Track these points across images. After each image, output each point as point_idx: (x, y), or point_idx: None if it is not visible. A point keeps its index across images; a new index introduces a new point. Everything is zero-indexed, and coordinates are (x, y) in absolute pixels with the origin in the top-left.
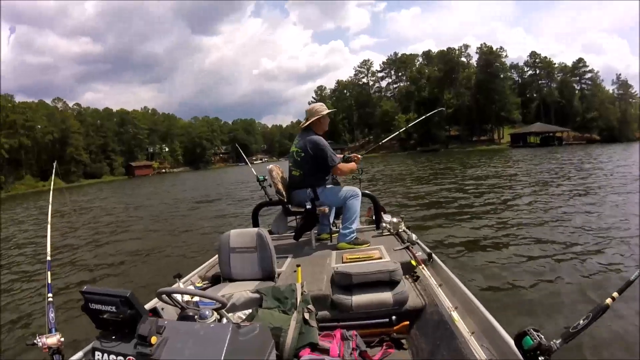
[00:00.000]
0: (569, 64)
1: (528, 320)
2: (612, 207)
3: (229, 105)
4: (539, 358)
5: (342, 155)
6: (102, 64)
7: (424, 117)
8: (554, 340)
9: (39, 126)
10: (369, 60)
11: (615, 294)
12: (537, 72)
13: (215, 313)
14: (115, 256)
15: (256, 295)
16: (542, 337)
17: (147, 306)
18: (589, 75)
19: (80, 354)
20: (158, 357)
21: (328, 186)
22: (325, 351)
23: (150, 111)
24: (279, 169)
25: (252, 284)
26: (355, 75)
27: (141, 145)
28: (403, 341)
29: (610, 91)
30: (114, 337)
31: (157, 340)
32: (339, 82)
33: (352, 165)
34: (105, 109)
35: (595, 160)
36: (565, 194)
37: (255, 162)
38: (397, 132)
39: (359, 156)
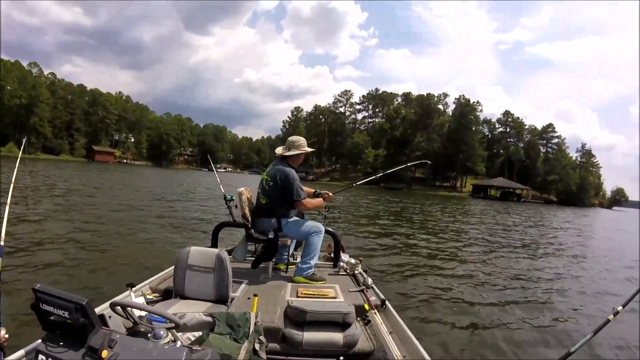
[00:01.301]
0: (539, 127)
1: None
2: (562, 269)
3: (203, 108)
4: None
5: (313, 190)
6: (87, 37)
7: (408, 165)
8: None
9: (9, 87)
10: (349, 91)
11: None
12: (508, 130)
13: (169, 334)
14: (71, 250)
15: (209, 318)
16: None
17: (97, 310)
18: (555, 140)
19: (21, 352)
20: None
21: (293, 218)
22: None
23: (124, 97)
24: (248, 193)
25: (204, 304)
26: (333, 102)
27: (107, 130)
28: None
29: (574, 158)
30: (61, 343)
31: (108, 354)
32: (316, 107)
33: (318, 202)
34: (79, 85)
35: (553, 220)
36: (517, 248)
37: (219, 170)
38: (374, 176)
39: (331, 195)
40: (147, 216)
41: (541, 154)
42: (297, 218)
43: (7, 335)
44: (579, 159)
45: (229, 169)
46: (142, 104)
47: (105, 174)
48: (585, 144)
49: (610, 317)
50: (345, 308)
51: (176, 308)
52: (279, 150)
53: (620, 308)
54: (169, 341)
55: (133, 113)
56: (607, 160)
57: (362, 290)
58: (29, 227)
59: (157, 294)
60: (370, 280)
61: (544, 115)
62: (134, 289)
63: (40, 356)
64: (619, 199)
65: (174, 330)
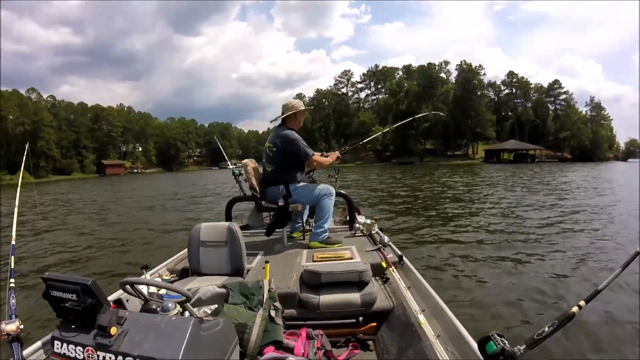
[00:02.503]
0: (545, 85)
1: (494, 326)
2: (582, 219)
3: (205, 107)
4: None
5: (320, 153)
6: (80, 56)
7: (410, 119)
8: (518, 347)
9: (11, 117)
10: (349, 70)
11: (582, 303)
12: (514, 91)
13: (178, 306)
14: (85, 246)
15: (223, 290)
16: (506, 342)
17: (112, 297)
18: (563, 96)
19: (39, 343)
20: (117, 348)
21: (302, 184)
22: (290, 349)
23: (125, 109)
24: (253, 163)
25: (221, 279)
26: (334, 84)
27: (114, 143)
28: (369, 342)
29: (583, 113)
30: (73, 327)
31: (117, 331)
32: (318, 91)
33: (330, 158)
34: (79, 104)
35: (568, 178)
36: (536, 206)
37: (229, 167)
38: (377, 134)
39: (338, 154)
40: (165, 212)
41: (550, 112)
42: (305, 183)
43: (22, 327)
44: (588, 113)
45: (239, 164)
46: (144, 113)
47: (117, 185)
48: (593, 97)
49: (639, 249)
50: (360, 266)
51: (192, 284)
52: (275, 119)
53: None
54: (177, 313)
55: (137, 123)
56: (617, 112)
57: (378, 249)
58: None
59: (174, 275)
60: (386, 238)
61: (548, 72)
62: (149, 271)
63: (56, 342)
64: (633, 151)
65: (187, 304)
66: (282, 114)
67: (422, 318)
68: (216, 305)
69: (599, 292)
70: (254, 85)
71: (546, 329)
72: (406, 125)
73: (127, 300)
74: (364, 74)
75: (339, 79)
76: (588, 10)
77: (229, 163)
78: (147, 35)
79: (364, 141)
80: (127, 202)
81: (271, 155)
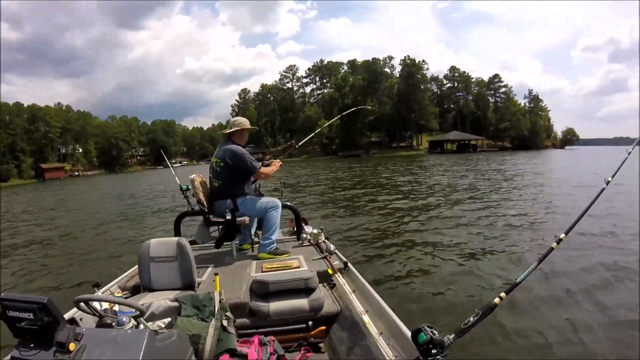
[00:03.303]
0: (486, 79)
1: (428, 318)
2: (512, 206)
3: (149, 105)
4: (432, 351)
5: (260, 164)
6: (17, 53)
7: (346, 112)
8: (448, 336)
9: None
10: (294, 65)
11: (503, 294)
12: (456, 84)
13: (132, 320)
14: (34, 263)
15: (175, 303)
16: (436, 332)
17: (66, 316)
18: (503, 89)
19: None
20: None
21: (248, 197)
22: (244, 356)
23: (64, 108)
24: (201, 179)
25: (172, 293)
26: (280, 79)
27: (52, 145)
28: (321, 345)
29: (522, 105)
30: (32, 346)
31: (76, 347)
32: (263, 86)
33: (274, 167)
34: (15, 104)
35: (507, 165)
36: (477, 197)
37: (174, 165)
38: (318, 130)
39: (279, 161)
40: (107, 221)
41: (491, 104)
42: (252, 197)
43: None
44: (527, 104)
45: (185, 162)
46: (84, 112)
47: (57, 191)
48: (532, 90)
49: (554, 245)
50: (307, 274)
51: (145, 300)
52: (221, 132)
53: (562, 236)
54: (132, 326)
55: (76, 122)
56: (555, 104)
57: (325, 257)
58: None
59: (126, 292)
60: (332, 247)
61: (489, 67)
62: (101, 289)
63: None
64: (570, 139)
65: (141, 318)
66: (230, 129)
67: (366, 318)
68: (169, 319)
69: (518, 284)
70: (199, 81)
71: (471, 319)
72: (352, 119)
73: (81, 319)
74: (309, 69)
75: (285, 73)
76: (528, 9)
77: (171, 164)
78: (89, 30)
79: (304, 141)
80: (70, 210)
81: (218, 170)
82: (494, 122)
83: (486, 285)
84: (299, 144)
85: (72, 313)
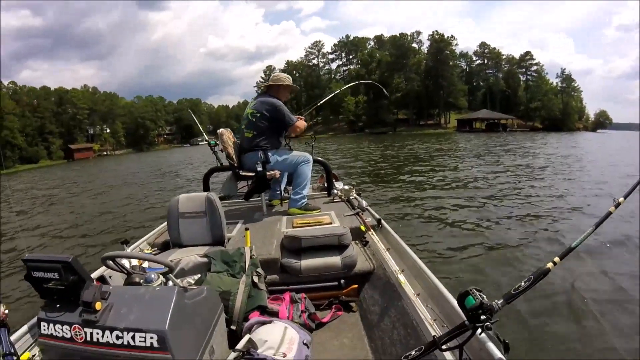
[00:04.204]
0: (516, 56)
1: (472, 282)
2: (553, 184)
3: (174, 84)
4: (481, 317)
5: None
6: (41, 39)
7: (350, 85)
8: (496, 301)
9: None
10: (320, 41)
11: (556, 259)
12: (485, 61)
13: (161, 276)
14: (64, 226)
15: (205, 259)
16: (484, 297)
17: (94, 274)
18: (534, 67)
19: (25, 327)
20: (103, 323)
21: (280, 150)
22: (275, 314)
23: (90, 90)
24: (230, 133)
25: (202, 249)
26: (305, 56)
27: (81, 127)
28: (352, 304)
29: (554, 84)
30: (58, 306)
31: (102, 306)
32: (288, 63)
33: (303, 122)
34: (42, 88)
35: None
36: (510, 172)
37: (200, 143)
38: (334, 93)
39: (301, 117)
40: (139, 190)
41: (521, 83)
42: (283, 150)
43: (7, 311)
44: (559, 84)
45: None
46: (110, 93)
47: (87, 169)
48: (564, 69)
49: (612, 209)
50: (340, 230)
51: (174, 256)
52: (261, 84)
53: (621, 199)
54: (160, 283)
55: (103, 104)
56: (587, 85)
57: (357, 213)
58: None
59: (155, 248)
60: (365, 203)
61: (519, 44)
62: (130, 246)
63: (43, 324)
64: (602, 122)
65: (171, 275)
66: (270, 82)
67: (402, 278)
68: (199, 275)
69: (573, 249)
70: (222, 59)
71: (522, 284)
72: (378, 95)
73: (110, 277)
74: (334, 45)
75: (310, 50)
76: None
77: (202, 138)
78: (111, 12)
79: (322, 102)
80: (98, 184)
81: (254, 121)
82: (525, 102)
83: (531, 253)
84: (321, 102)
85: (100, 271)
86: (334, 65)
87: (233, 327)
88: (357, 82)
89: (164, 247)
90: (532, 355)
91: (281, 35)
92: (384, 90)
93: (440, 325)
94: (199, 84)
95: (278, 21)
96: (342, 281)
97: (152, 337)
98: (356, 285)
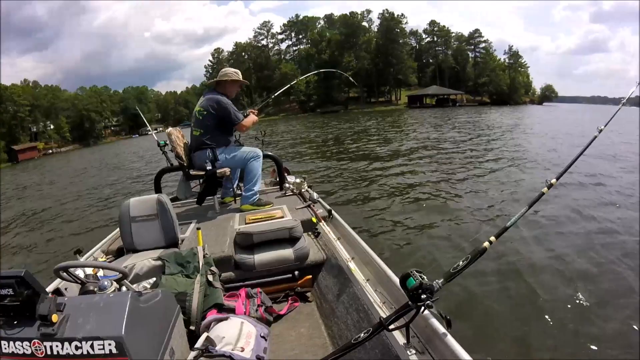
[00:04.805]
0: (466, 34)
1: (416, 264)
2: (496, 157)
3: (119, 72)
4: (422, 296)
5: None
6: None
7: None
8: (437, 280)
9: None
10: (269, 21)
11: (492, 238)
12: (435, 39)
13: (114, 283)
14: (11, 238)
15: (158, 262)
16: (425, 277)
17: (50, 288)
18: (482, 45)
19: None
20: (62, 335)
21: (228, 147)
22: (231, 310)
23: (31, 84)
24: (178, 132)
25: (157, 252)
26: (254, 37)
27: (23, 125)
28: (308, 294)
29: (502, 60)
30: (15, 323)
31: (59, 318)
32: (237, 45)
33: (252, 118)
34: None
35: (488, 119)
36: (455, 150)
37: (149, 133)
38: (289, 85)
39: (255, 110)
40: (87, 193)
41: (470, 59)
42: (232, 147)
43: None
44: (507, 60)
45: (160, 129)
46: (52, 86)
47: (30, 171)
48: (512, 45)
49: (545, 189)
50: (290, 223)
51: (129, 262)
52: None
53: (554, 180)
54: (114, 289)
55: (44, 98)
56: (534, 61)
57: (308, 206)
58: None
59: (110, 255)
60: (315, 195)
61: (470, 23)
62: (83, 255)
63: (3, 343)
64: (548, 95)
65: (125, 281)
66: (217, 79)
67: (352, 265)
68: (154, 279)
69: (507, 228)
70: (169, 43)
71: (460, 263)
72: (329, 74)
73: (66, 289)
74: (284, 25)
75: (259, 30)
76: None
77: (149, 128)
78: None
79: (277, 94)
80: (45, 188)
81: (201, 119)
82: (473, 77)
83: (474, 232)
84: (275, 94)
85: (55, 284)
86: (283, 46)
87: (192, 328)
88: (319, 71)
89: (119, 253)
90: (474, 328)
91: (229, 15)
92: (351, 79)
93: (389, 307)
94: (146, 70)
95: (226, 1)
96: (297, 273)
97: (109, 344)
98: (310, 276)
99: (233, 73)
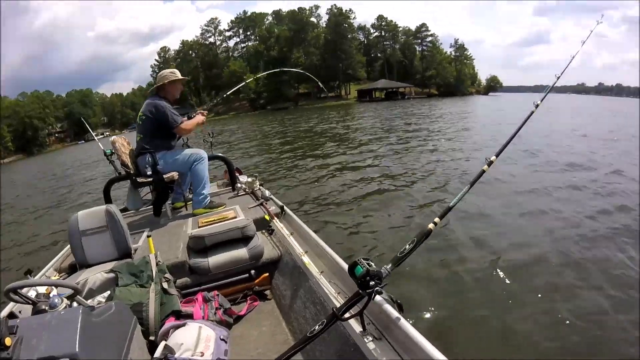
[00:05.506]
0: (413, 28)
1: (366, 253)
2: (443, 145)
3: (62, 75)
4: (370, 283)
5: (184, 118)
6: None
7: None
8: (385, 266)
9: None
10: (216, 18)
11: (437, 219)
12: (383, 33)
13: (65, 299)
14: None
15: (111, 275)
16: (372, 264)
17: (4, 312)
18: (429, 38)
19: None
20: (17, 357)
21: (170, 151)
22: (189, 316)
23: None
24: (123, 140)
25: (110, 265)
26: (201, 34)
27: None
28: (267, 292)
29: (448, 53)
30: None
31: (12, 341)
32: (183, 43)
33: (197, 119)
34: None
35: (435, 109)
36: (402, 140)
37: (96, 138)
38: (239, 85)
39: (204, 111)
40: (35, 208)
41: (418, 53)
42: (174, 150)
43: None
44: (453, 53)
45: (107, 133)
46: None
47: None
48: (458, 39)
49: (485, 167)
50: (242, 223)
51: (82, 277)
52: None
53: (493, 158)
54: (65, 306)
55: None
56: (481, 53)
57: (261, 204)
58: None
59: (63, 273)
60: (268, 192)
61: (417, 18)
62: (34, 275)
63: None
64: (493, 86)
65: (79, 297)
66: (156, 84)
67: (306, 259)
68: (108, 292)
69: (451, 208)
70: (113, 43)
71: (407, 246)
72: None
73: (20, 312)
74: (232, 21)
75: (206, 27)
76: None
77: (97, 132)
78: None
79: (228, 94)
80: None
81: (141, 124)
82: (421, 70)
83: (422, 216)
84: (225, 94)
85: (10, 307)
86: (231, 43)
87: (152, 338)
88: (277, 70)
89: (72, 270)
90: (427, 311)
91: (176, 12)
92: (315, 79)
93: (344, 297)
94: (90, 72)
95: None
96: (253, 272)
97: None
98: (267, 274)
99: (169, 74)
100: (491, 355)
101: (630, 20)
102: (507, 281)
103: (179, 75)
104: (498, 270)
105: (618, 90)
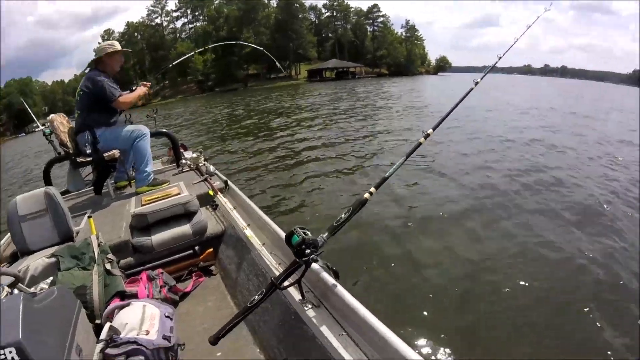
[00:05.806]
0: (364, 9)
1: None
2: (388, 122)
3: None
4: (306, 251)
5: (122, 93)
6: None
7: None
8: (322, 235)
9: None
10: None
11: (372, 189)
12: (334, 14)
13: (6, 288)
14: None
15: (52, 259)
16: (308, 233)
17: None
18: (381, 19)
19: None
20: None
21: (110, 128)
22: (134, 296)
23: None
24: (62, 118)
25: (52, 250)
26: (147, 15)
27: None
28: (212, 267)
29: (399, 34)
30: None
31: None
32: (129, 24)
33: (138, 91)
34: None
35: (384, 87)
36: (348, 116)
37: (37, 130)
38: (186, 57)
39: (147, 83)
40: None
41: (369, 33)
42: (115, 127)
43: None
44: (404, 34)
45: (48, 123)
46: None
47: None
48: (409, 20)
49: (422, 140)
50: (184, 199)
51: (23, 265)
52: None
53: (430, 131)
54: (6, 294)
55: None
56: (432, 34)
57: (205, 179)
58: None
59: (4, 263)
60: (212, 168)
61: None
62: None
63: None
64: (443, 66)
65: (21, 284)
66: (95, 57)
67: (249, 232)
68: (51, 278)
69: (386, 179)
70: (55, 27)
71: (343, 215)
72: (227, 52)
73: None
74: (179, 1)
75: (152, 8)
76: None
77: (37, 124)
78: None
79: (173, 64)
80: None
81: (79, 100)
82: (372, 51)
83: (360, 186)
84: (170, 64)
85: None
86: (179, 24)
87: (98, 321)
88: (233, 42)
89: (13, 258)
90: (362, 279)
91: None
92: (271, 57)
93: (284, 267)
94: (29, 60)
95: None
96: (197, 248)
97: (10, 352)
98: (212, 249)
99: (107, 46)
100: (422, 311)
101: (577, 7)
102: (421, 239)
103: (118, 46)
104: (415, 231)
105: (562, 72)
